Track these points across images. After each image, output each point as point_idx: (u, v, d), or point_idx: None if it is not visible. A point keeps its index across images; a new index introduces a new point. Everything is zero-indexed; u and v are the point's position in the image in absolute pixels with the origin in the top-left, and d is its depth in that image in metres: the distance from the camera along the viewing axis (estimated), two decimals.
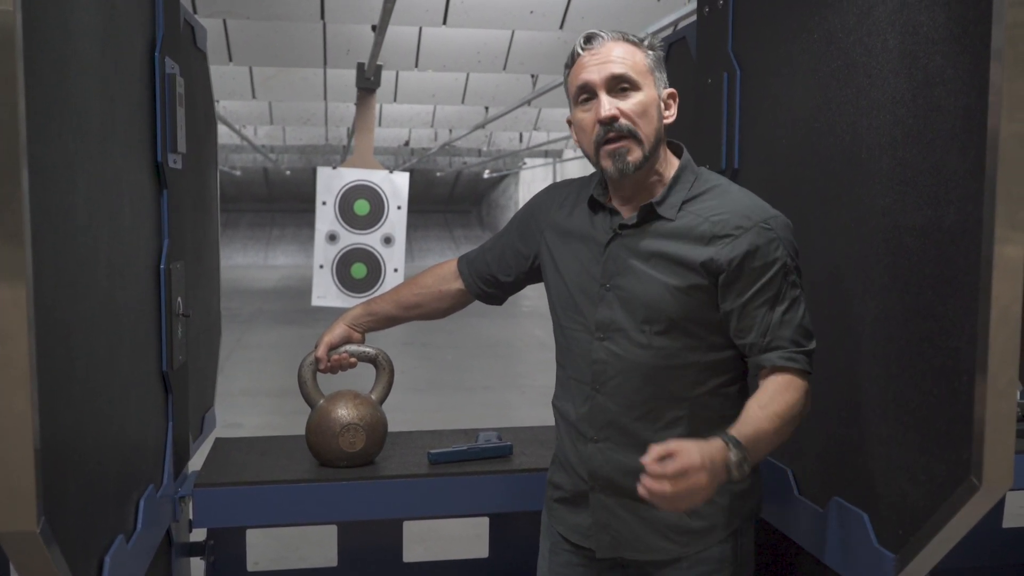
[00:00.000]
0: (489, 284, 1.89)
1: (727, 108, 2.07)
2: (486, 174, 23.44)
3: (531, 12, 5.57)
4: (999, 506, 2.62)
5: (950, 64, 1.37)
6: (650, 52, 1.60)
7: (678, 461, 1.33)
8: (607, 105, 1.54)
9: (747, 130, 2.04)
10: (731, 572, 1.64)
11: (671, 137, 1.68)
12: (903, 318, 1.49)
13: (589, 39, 1.58)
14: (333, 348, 1.99)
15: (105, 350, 1.48)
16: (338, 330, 2.00)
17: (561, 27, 5.68)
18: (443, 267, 1.98)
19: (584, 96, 1.58)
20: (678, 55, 2.39)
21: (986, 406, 1.28)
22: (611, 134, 1.55)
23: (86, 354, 1.38)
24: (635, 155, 1.56)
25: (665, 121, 1.61)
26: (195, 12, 5.00)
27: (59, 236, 1.25)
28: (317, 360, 2.00)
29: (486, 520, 2.48)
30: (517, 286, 1.89)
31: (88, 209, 1.39)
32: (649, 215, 1.60)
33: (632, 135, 1.55)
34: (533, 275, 1.84)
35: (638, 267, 1.59)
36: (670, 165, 1.64)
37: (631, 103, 1.55)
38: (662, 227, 1.58)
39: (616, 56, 1.56)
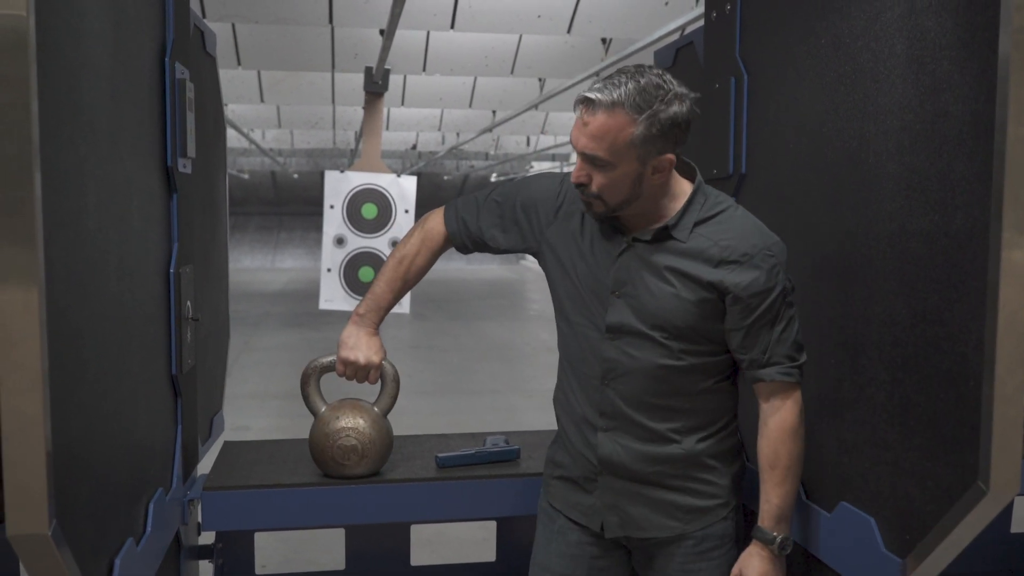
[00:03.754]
0: (476, 244, 1.90)
1: (734, 112, 2.08)
2: (493, 177, 23.43)
3: (539, 16, 5.57)
4: (1007, 511, 2.61)
5: (957, 69, 1.37)
6: (644, 123, 1.54)
7: None
8: (577, 171, 1.62)
9: (754, 135, 2.04)
10: (732, 547, 1.76)
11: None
12: (910, 323, 1.49)
13: (581, 102, 1.57)
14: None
15: (115, 354, 1.49)
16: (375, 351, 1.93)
17: (569, 31, 5.69)
18: (432, 235, 1.92)
19: None
20: (686, 60, 2.39)
21: (993, 411, 1.29)
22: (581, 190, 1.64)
23: (96, 358, 1.38)
24: (598, 209, 1.65)
25: (652, 183, 1.62)
26: (204, 16, 5.03)
27: (70, 240, 1.26)
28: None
29: (494, 524, 2.49)
30: (498, 253, 1.91)
31: (98, 213, 1.40)
32: (662, 234, 1.66)
33: (598, 198, 1.63)
34: (521, 250, 1.86)
35: (650, 279, 1.67)
36: (679, 189, 1.68)
37: (599, 178, 1.60)
38: (674, 246, 1.66)
39: (593, 132, 1.56)
